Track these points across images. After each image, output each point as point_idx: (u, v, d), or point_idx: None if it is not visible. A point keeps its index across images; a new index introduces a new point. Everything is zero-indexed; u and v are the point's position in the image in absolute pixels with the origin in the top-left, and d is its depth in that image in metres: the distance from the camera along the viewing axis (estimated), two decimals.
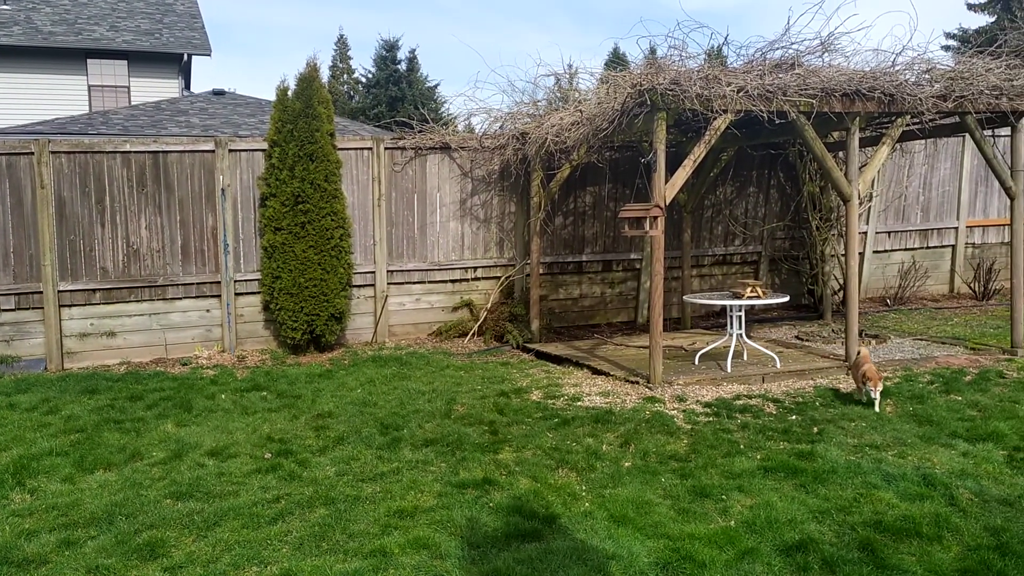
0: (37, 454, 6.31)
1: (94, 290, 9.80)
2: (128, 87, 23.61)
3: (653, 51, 9.85)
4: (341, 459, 6.12)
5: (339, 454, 6.25)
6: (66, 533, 4.84)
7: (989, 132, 9.44)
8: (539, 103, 11.15)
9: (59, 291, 9.63)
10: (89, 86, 23.33)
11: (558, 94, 11.38)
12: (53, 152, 9.53)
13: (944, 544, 4.45)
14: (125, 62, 23.56)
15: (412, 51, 39.95)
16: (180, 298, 10.16)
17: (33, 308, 9.60)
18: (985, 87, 8.56)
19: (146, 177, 9.90)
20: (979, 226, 14.01)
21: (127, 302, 9.96)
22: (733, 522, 4.79)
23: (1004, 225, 13.73)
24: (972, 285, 13.48)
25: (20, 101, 22.22)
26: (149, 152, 9.91)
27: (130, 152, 9.84)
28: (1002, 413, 6.85)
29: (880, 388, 7.09)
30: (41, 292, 9.56)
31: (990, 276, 13.22)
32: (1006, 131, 9.37)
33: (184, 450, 6.39)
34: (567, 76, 11.80)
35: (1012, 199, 9.25)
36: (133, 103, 22.49)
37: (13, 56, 22.50)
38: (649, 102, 7.70)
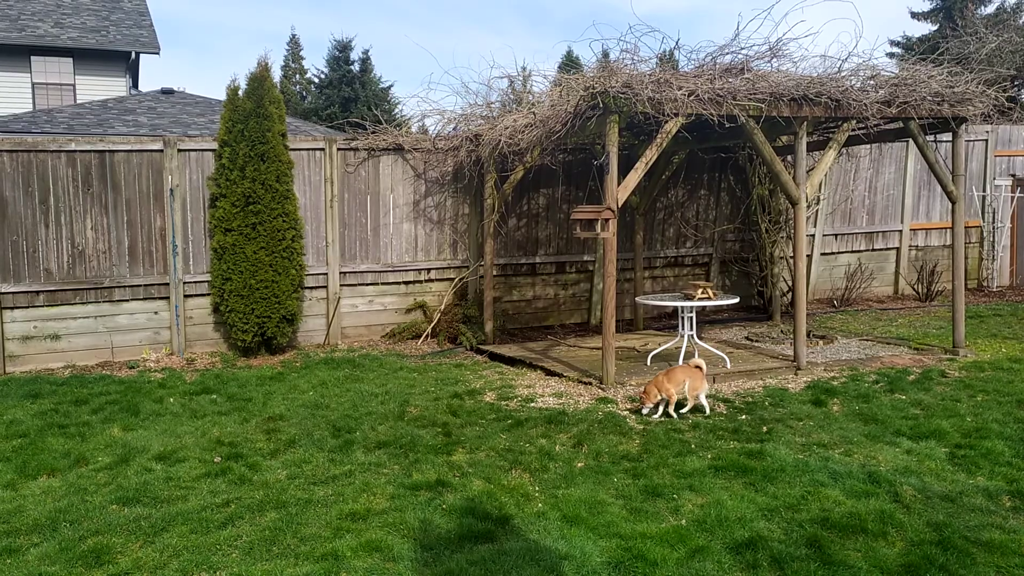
0: None
1: (37, 292, 9.56)
2: (73, 85, 23.06)
3: (606, 54, 9.94)
4: (292, 462, 6.06)
5: (290, 457, 6.18)
6: (8, 541, 4.71)
7: (931, 137, 9.69)
8: (493, 105, 11.16)
9: (0, 293, 9.37)
10: (33, 84, 22.75)
11: (512, 96, 11.41)
12: None
13: (889, 540, 4.56)
14: (70, 59, 23.01)
15: (365, 52, 39.68)
16: (127, 300, 9.96)
17: None
18: (928, 93, 8.78)
19: (92, 177, 9.69)
20: (922, 229, 14.37)
21: (72, 304, 9.74)
22: (684, 521, 4.85)
23: (946, 228, 14.10)
24: (915, 287, 13.82)
25: None
26: (95, 151, 9.70)
27: (75, 151, 9.62)
28: (944, 412, 7.03)
29: (649, 405, 7.03)
30: None
31: (932, 278, 13.56)
32: (947, 136, 9.62)
33: (131, 455, 6.27)
34: (521, 78, 11.85)
35: (953, 203, 9.50)
36: (79, 101, 21.96)
37: None
38: (602, 105, 7.76)
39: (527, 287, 12.10)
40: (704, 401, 7.19)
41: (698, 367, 7.26)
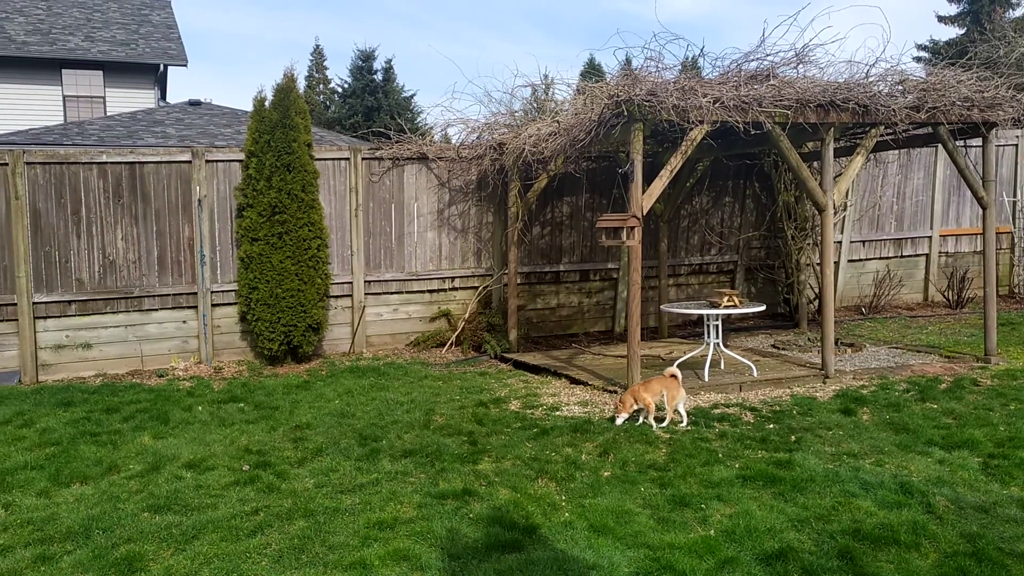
0: (11, 468, 6.22)
1: (69, 302, 9.70)
2: (104, 97, 23.41)
3: (629, 62, 9.95)
4: (320, 471, 6.09)
5: (318, 465, 6.21)
6: (42, 548, 4.77)
7: (961, 143, 9.59)
8: (516, 113, 11.21)
9: (34, 303, 9.51)
10: (64, 96, 23.11)
11: (535, 105, 11.44)
12: (28, 163, 9.43)
13: (922, 551, 4.50)
14: (100, 72, 23.36)
15: (388, 61, 39.93)
16: (156, 309, 10.07)
17: (7, 320, 9.48)
18: (957, 98, 8.69)
19: (122, 188, 9.82)
20: (952, 235, 14.20)
21: (103, 313, 9.86)
22: (713, 531, 4.82)
23: (976, 234, 13.93)
24: (946, 294, 13.65)
25: None
26: (125, 163, 9.83)
27: (106, 163, 9.76)
28: (977, 421, 6.93)
29: (624, 415, 7.00)
30: (15, 304, 9.45)
31: (963, 285, 13.39)
32: (977, 142, 9.51)
33: (161, 462, 6.33)
34: (543, 86, 11.88)
35: (984, 209, 9.39)
36: (109, 113, 22.29)
37: None
38: (626, 113, 7.75)
39: (551, 295, 12.09)
40: (682, 410, 7.13)
41: (673, 376, 7.21)
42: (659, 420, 7.07)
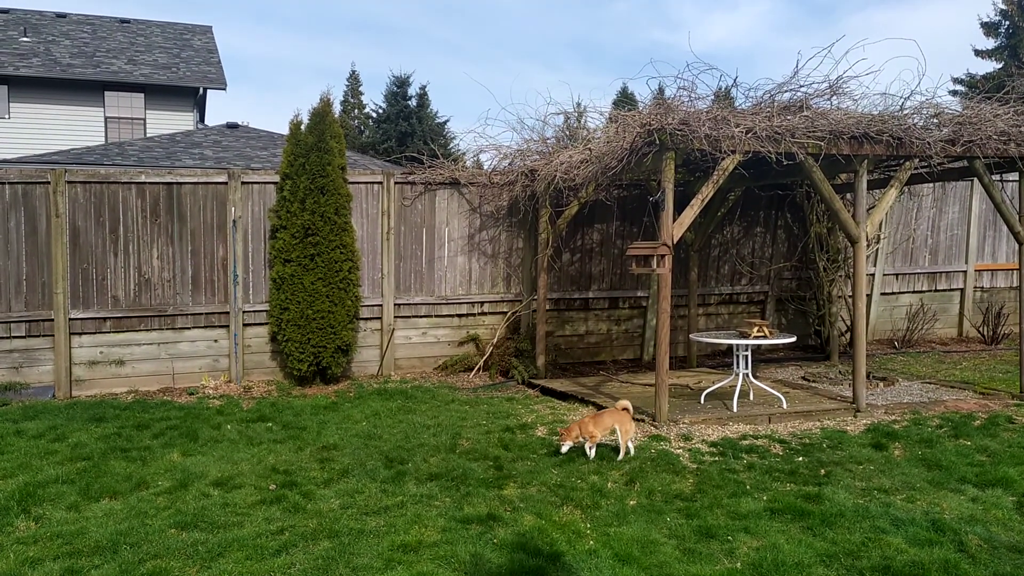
0: (43, 481, 6.31)
1: (105, 318, 9.85)
2: (144, 119, 23.92)
3: (662, 91, 9.97)
4: (345, 492, 6.11)
5: (344, 487, 6.23)
6: (70, 562, 4.82)
7: (997, 177, 9.49)
8: (548, 141, 11.25)
9: (70, 319, 9.68)
10: (106, 117, 23.64)
11: (567, 132, 11.49)
12: (69, 182, 9.64)
13: None
14: (142, 95, 23.90)
15: (423, 87, 40.44)
16: (189, 328, 10.20)
17: (43, 336, 9.65)
18: (993, 132, 8.62)
19: (160, 208, 9.99)
20: (988, 270, 14.01)
21: (137, 331, 10.01)
22: (739, 564, 4.76)
23: (1013, 269, 13.73)
24: (981, 329, 13.44)
25: (38, 131, 22.56)
26: (163, 183, 10.02)
27: (145, 183, 9.95)
28: (1012, 459, 6.80)
29: (568, 443, 6.91)
30: (52, 320, 9.62)
31: (999, 320, 13.19)
32: (1014, 176, 9.41)
33: (189, 480, 6.39)
34: (576, 114, 11.94)
35: (1020, 244, 9.26)
36: (149, 135, 22.78)
37: (32, 87, 22.87)
38: (658, 141, 7.77)
39: (580, 322, 12.08)
40: (630, 444, 7.03)
41: (625, 409, 7.13)
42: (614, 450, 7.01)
